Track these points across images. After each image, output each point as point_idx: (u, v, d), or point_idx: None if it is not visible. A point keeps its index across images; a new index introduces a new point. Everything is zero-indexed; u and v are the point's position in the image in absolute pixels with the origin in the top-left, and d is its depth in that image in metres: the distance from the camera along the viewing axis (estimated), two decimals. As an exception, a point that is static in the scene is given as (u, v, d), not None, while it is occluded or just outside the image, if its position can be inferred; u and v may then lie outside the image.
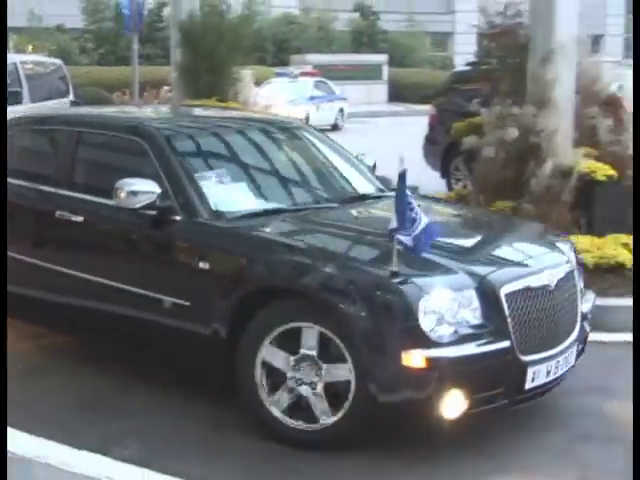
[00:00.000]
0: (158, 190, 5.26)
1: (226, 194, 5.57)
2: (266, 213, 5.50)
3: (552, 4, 8.33)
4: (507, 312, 4.65)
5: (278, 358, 4.78)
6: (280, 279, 4.94)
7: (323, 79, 31.61)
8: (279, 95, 21.42)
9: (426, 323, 4.43)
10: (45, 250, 6.11)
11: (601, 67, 9.01)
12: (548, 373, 4.85)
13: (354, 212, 5.83)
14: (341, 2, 47.89)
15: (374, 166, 6.84)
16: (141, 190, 5.23)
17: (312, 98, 28.54)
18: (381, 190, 6.34)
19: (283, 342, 4.77)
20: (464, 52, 38.72)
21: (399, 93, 40.70)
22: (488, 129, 8.56)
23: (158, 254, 5.47)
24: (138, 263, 5.55)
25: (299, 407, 4.76)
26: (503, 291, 4.68)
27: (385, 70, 42.68)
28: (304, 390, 4.71)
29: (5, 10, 9.17)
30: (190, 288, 5.15)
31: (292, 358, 4.73)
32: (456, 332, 4.50)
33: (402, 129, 17.38)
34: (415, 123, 15.99)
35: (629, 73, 9.95)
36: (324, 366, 4.66)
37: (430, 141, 13.63)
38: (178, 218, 5.28)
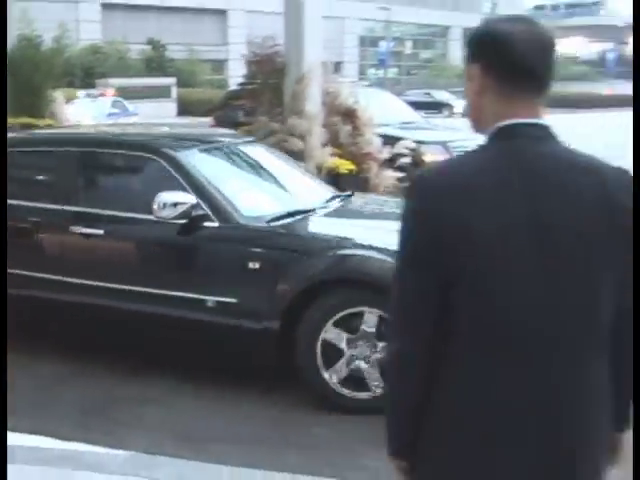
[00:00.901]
0: (194, 200, 4.77)
1: (248, 200, 5.13)
2: (289, 215, 5.01)
3: (301, 37, 8.58)
4: None
5: (338, 337, 4.50)
6: (345, 271, 4.58)
7: (119, 98, 31.26)
8: (84, 112, 20.80)
9: None
10: (94, 269, 5.14)
11: (341, 86, 9.31)
12: None
13: (364, 209, 5.67)
14: (136, 36, 46.87)
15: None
16: (178, 201, 4.73)
17: (110, 114, 27.88)
18: (339, 190, 6.14)
19: (341, 323, 4.50)
20: (236, 75, 38.69)
21: (186, 108, 40.29)
22: (258, 136, 8.69)
23: (200, 258, 4.92)
24: (180, 268, 5.00)
25: (353, 379, 4.54)
26: None
27: (174, 90, 42.35)
28: (360, 364, 4.50)
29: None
30: (238, 287, 4.66)
31: (347, 337, 4.49)
32: None
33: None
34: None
35: (361, 91, 10.37)
36: (379, 344, 4.42)
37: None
38: (214, 224, 4.79)
